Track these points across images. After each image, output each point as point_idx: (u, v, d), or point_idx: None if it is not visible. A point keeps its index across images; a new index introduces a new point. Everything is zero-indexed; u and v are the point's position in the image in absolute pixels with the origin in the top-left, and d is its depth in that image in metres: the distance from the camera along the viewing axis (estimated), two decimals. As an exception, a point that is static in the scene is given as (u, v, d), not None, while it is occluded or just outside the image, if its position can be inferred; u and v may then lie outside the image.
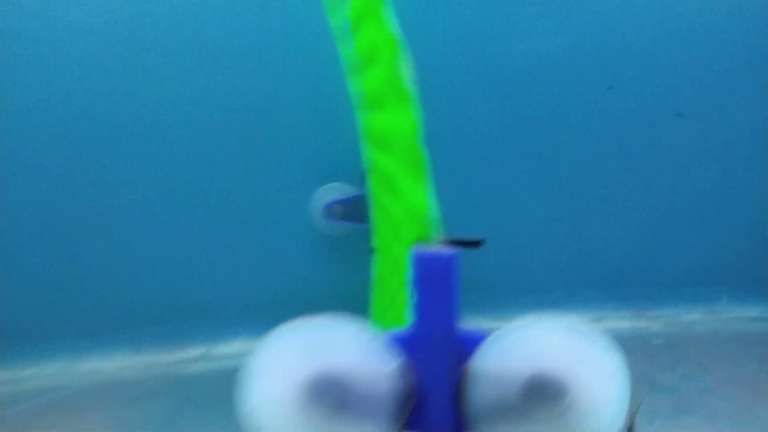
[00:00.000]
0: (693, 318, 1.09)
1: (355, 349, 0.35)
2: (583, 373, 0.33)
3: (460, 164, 1.13)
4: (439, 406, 0.36)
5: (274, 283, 1.14)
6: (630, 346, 0.97)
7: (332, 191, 1.10)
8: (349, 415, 0.33)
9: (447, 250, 0.36)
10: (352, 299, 1.10)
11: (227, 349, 1.13)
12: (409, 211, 0.57)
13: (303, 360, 0.34)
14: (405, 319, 0.42)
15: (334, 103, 1.07)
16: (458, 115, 1.11)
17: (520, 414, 0.33)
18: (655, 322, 1.09)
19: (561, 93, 1.10)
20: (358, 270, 1.06)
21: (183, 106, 1.08)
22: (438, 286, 0.35)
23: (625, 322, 1.08)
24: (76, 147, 1.08)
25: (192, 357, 1.11)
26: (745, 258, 1.11)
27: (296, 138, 1.10)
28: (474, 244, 0.41)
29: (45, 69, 1.05)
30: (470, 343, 0.36)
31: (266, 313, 1.13)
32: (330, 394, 0.33)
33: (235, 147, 1.10)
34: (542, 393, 0.32)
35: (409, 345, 0.36)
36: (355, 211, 1.08)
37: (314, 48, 1.07)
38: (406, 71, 0.50)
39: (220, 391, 0.97)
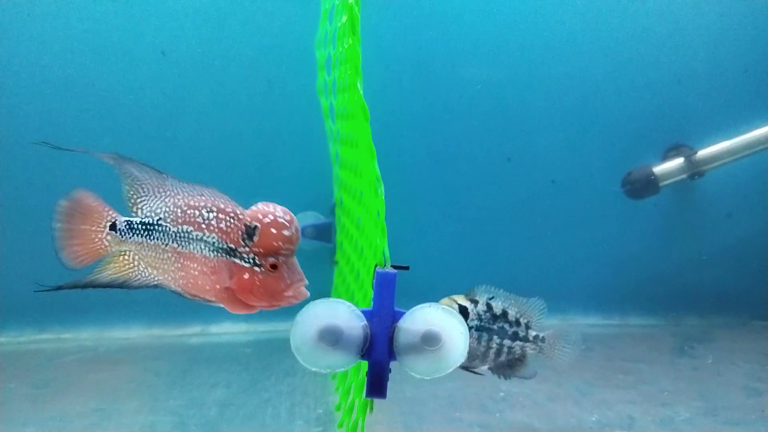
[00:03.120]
0: (551, 323, 1.55)
1: (344, 313, 0.74)
2: (448, 330, 0.74)
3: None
4: (382, 344, 0.76)
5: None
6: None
7: (308, 217, 1.50)
8: (339, 347, 0.73)
9: (391, 271, 0.76)
10: (316, 297, 1.51)
11: (218, 329, 1.51)
12: (368, 242, 0.97)
13: (317, 318, 0.73)
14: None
15: (315, 157, 1.47)
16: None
17: (418, 350, 0.74)
18: (526, 325, 1.56)
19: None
20: (324, 276, 1.46)
21: (206, 151, 1.47)
22: (386, 287, 0.76)
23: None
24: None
25: (192, 333, 1.49)
26: (589, 284, 1.59)
27: (284, 177, 1.51)
28: (404, 268, 0.82)
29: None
30: (399, 314, 0.76)
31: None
32: (330, 336, 0.73)
33: (241, 180, 1.50)
34: (429, 340, 0.73)
35: (371, 314, 0.76)
36: (324, 233, 1.48)
37: (303, 118, 1.48)
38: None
39: (212, 357, 1.35)
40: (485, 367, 0.93)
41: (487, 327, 0.91)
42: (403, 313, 0.76)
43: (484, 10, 1.53)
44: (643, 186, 1.45)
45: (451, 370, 0.75)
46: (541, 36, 1.54)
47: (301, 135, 1.51)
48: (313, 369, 0.74)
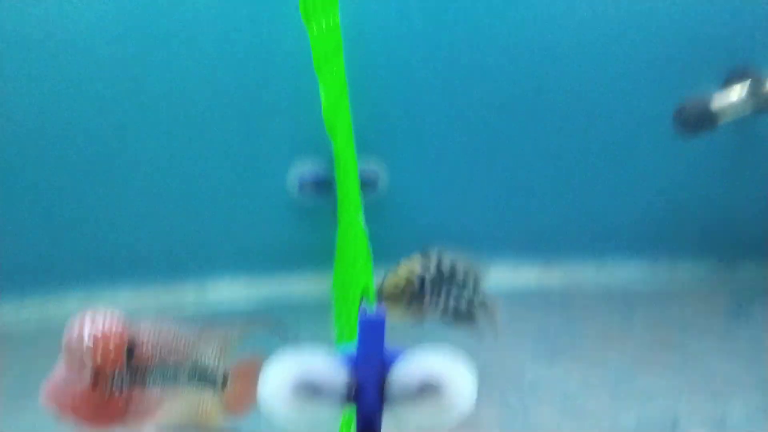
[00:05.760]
0: (590, 269, 1.42)
1: (321, 364, 0.59)
2: (450, 380, 0.59)
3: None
4: (371, 394, 0.61)
5: (253, 238, 1.38)
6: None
7: (305, 167, 1.32)
8: (319, 399, 0.59)
9: (378, 316, 0.60)
10: (315, 254, 1.36)
11: (214, 293, 1.38)
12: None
13: (290, 370, 0.58)
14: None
15: (313, 93, 1.26)
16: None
17: (414, 402, 0.60)
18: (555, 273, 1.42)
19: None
20: (323, 233, 1.31)
21: (186, 92, 1.28)
22: (375, 330, 0.60)
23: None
24: (90, 126, 1.27)
25: (187, 301, 1.37)
26: (634, 225, 1.42)
27: (279, 121, 1.31)
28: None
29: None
30: (392, 357, 0.61)
31: (246, 262, 1.39)
32: (305, 389, 0.58)
33: (233, 125, 1.31)
34: (427, 391, 0.59)
35: (356, 361, 0.61)
36: (325, 187, 1.31)
37: (294, 47, 1.26)
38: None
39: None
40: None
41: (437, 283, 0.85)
42: (398, 356, 0.61)
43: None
44: (697, 122, 1.22)
45: (453, 425, 0.61)
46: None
47: (295, 72, 1.29)
48: (290, 429, 0.61)
